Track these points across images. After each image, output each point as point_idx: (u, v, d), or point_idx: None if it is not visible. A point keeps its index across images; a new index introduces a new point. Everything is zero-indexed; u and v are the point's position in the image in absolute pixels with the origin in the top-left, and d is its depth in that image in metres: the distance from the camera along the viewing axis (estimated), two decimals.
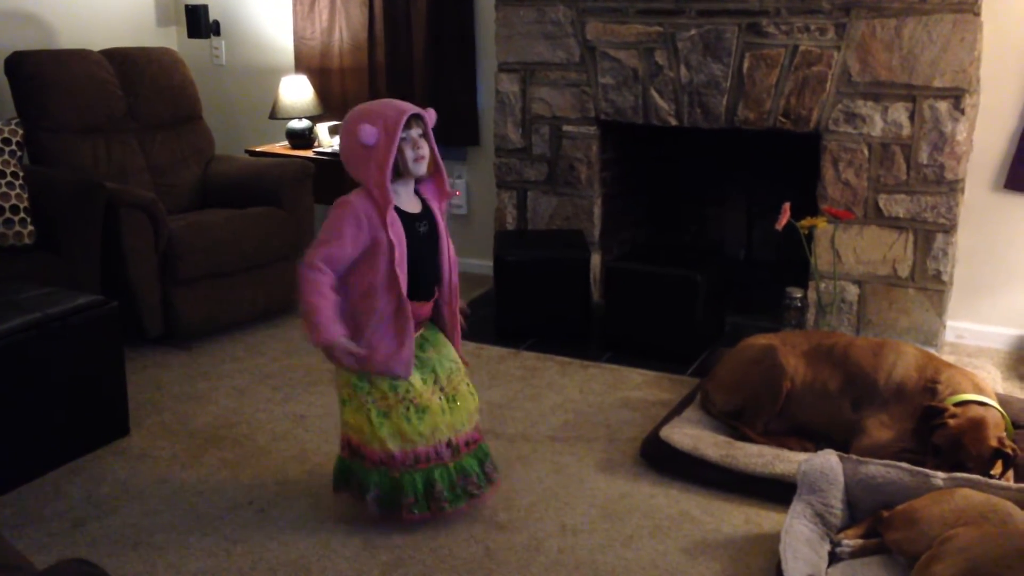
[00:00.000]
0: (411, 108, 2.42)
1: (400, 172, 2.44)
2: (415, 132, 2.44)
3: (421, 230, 2.51)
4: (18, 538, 2.57)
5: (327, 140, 4.89)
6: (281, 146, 4.99)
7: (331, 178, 4.57)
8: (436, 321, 2.66)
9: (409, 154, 2.42)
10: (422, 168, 2.46)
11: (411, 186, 2.52)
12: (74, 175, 3.89)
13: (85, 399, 3.04)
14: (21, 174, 3.70)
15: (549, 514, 2.71)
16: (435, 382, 2.56)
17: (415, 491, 2.54)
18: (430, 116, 2.48)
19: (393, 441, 2.50)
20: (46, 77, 4.11)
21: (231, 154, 4.81)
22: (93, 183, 3.72)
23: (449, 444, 2.55)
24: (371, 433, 2.51)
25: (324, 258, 2.41)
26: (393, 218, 2.41)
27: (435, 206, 2.58)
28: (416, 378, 2.52)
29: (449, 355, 2.62)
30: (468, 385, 2.65)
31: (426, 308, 2.59)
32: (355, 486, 2.62)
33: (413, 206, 2.52)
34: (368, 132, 2.36)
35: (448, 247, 2.60)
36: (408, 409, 2.50)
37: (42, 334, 2.90)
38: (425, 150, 2.45)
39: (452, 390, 2.58)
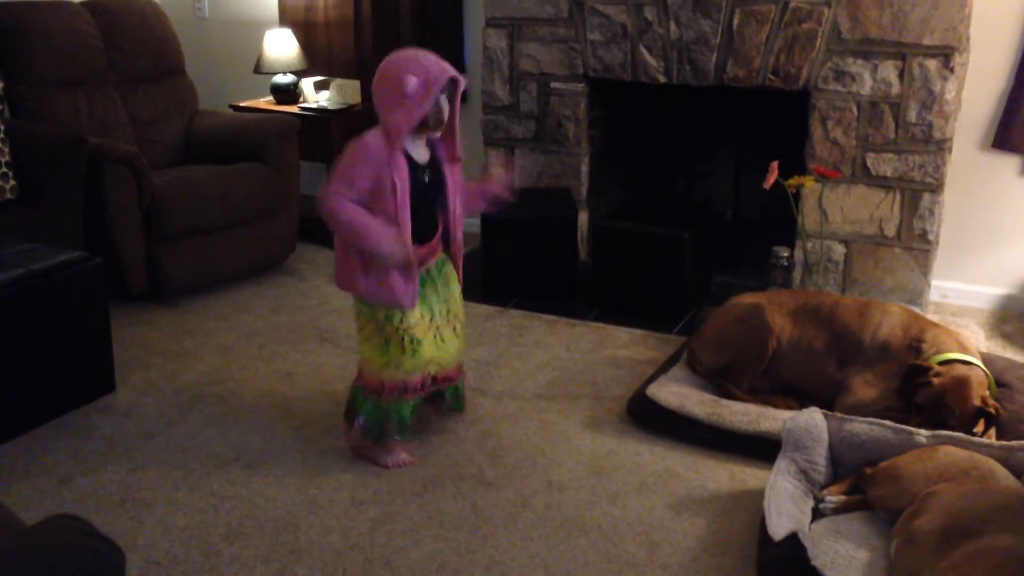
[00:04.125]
0: (451, 71, 2.53)
1: (424, 126, 2.56)
2: (445, 94, 2.56)
3: (425, 179, 2.63)
4: (4, 494, 2.57)
5: (312, 96, 4.84)
6: (266, 101, 4.93)
7: (317, 134, 4.53)
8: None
9: (438, 116, 2.55)
10: (441, 129, 2.61)
11: (423, 140, 2.63)
12: (56, 129, 3.84)
13: (70, 355, 3.03)
14: (2, 128, 3.65)
15: (536, 471, 2.72)
16: (431, 320, 2.70)
17: (399, 419, 2.69)
18: (463, 82, 2.60)
19: (387, 370, 2.65)
20: (25, 29, 4.04)
21: (215, 109, 4.76)
22: (75, 137, 3.67)
23: (433, 378, 2.76)
24: (372, 361, 2.67)
25: (339, 189, 2.54)
26: (400, 160, 2.53)
27: (445, 165, 2.70)
28: (416, 312, 2.65)
29: (449, 296, 2.78)
30: (457, 328, 2.81)
31: (422, 251, 2.69)
32: (350, 413, 2.76)
33: (422, 156, 2.63)
34: (412, 83, 2.47)
35: (454, 201, 2.72)
36: (404, 339, 2.63)
37: (25, 290, 2.87)
38: (446, 113, 2.57)
39: (443, 330, 2.75)
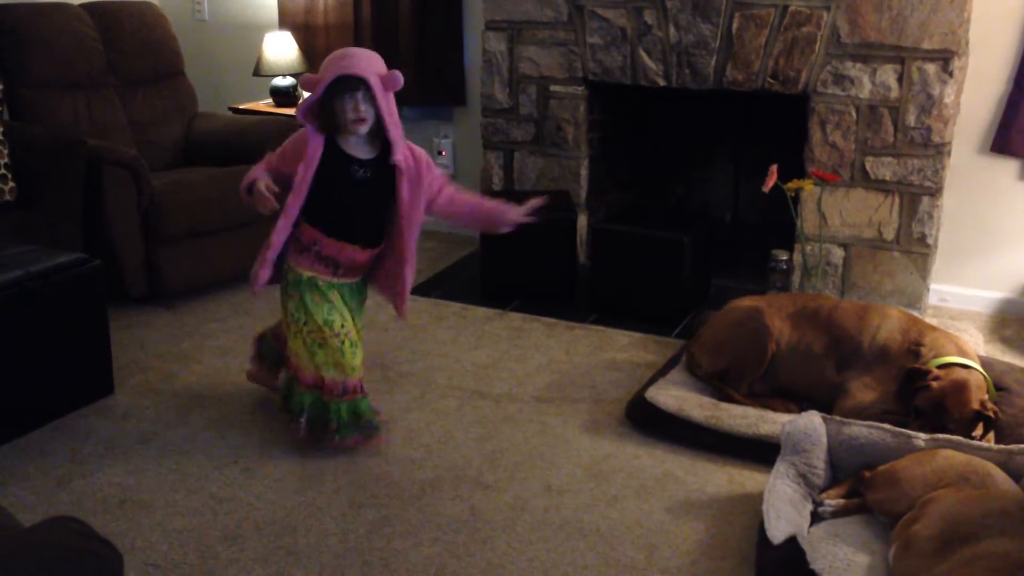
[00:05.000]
0: (347, 70, 2.50)
1: (336, 127, 2.57)
2: (359, 94, 2.53)
3: (358, 175, 2.63)
4: (2, 496, 2.57)
5: None
6: (265, 104, 4.94)
7: None
8: (379, 281, 2.84)
9: (349, 115, 2.54)
10: (360, 129, 2.57)
11: (362, 139, 2.62)
12: (55, 131, 3.84)
13: (68, 358, 3.02)
14: (1, 130, 3.65)
15: (534, 474, 2.72)
16: (344, 328, 2.73)
17: (339, 419, 2.72)
18: (389, 79, 2.55)
19: (326, 369, 2.70)
20: (25, 31, 4.04)
21: (214, 111, 4.76)
22: (74, 139, 3.67)
23: (321, 381, 2.74)
24: (307, 359, 2.71)
25: (258, 169, 2.67)
26: (312, 148, 2.57)
27: (401, 167, 2.64)
28: (349, 316, 2.73)
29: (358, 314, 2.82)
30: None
31: (360, 255, 2.72)
32: (292, 406, 2.79)
33: (359, 152, 2.64)
34: (307, 82, 2.55)
35: (403, 205, 2.66)
36: (343, 343, 2.70)
37: (24, 292, 2.87)
38: (363, 113, 2.54)
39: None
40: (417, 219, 2.70)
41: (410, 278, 2.77)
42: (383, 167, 2.64)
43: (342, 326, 2.70)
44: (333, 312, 2.69)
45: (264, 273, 2.71)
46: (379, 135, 2.62)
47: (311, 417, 2.74)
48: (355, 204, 2.66)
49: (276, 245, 2.67)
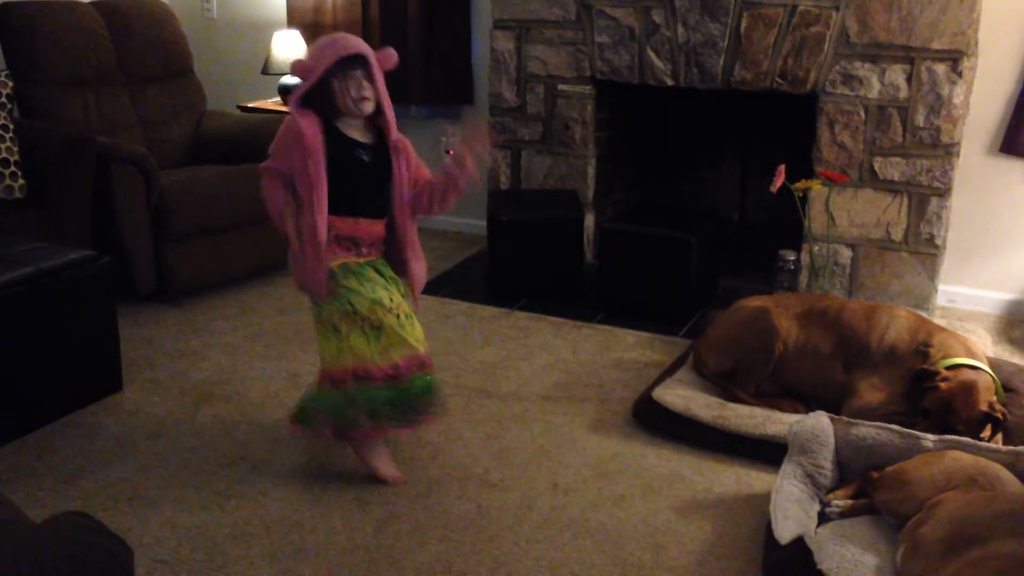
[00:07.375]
0: (347, 50, 2.45)
1: (339, 110, 2.49)
2: (359, 72, 2.47)
3: (364, 157, 2.56)
4: (11, 492, 2.57)
5: None
6: (273, 102, 4.95)
7: None
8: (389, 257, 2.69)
9: (352, 94, 2.47)
10: (366, 108, 2.50)
11: (360, 122, 2.56)
12: (65, 129, 3.85)
13: (77, 354, 3.03)
14: (11, 127, 3.66)
15: (541, 473, 2.72)
16: (395, 302, 2.57)
17: (368, 407, 2.54)
18: (383, 58, 2.51)
19: (393, 352, 2.53)
20: (35, 28, 4.06)
21: (223, 109, 4.77)
22: (84, 137, 3.68)
23: (395, 367, 2.55)
24: (336, 353, 2.54)
25: (269, 164, 2.54)
26: (313, 139, 2.46)
27: (391, 152, 2.59)
28: (395, 290, 2.59)
29: (394, 286, 2.63)
30: (402, 318, 2.59)
31: (375, 226, 2.61)
32: (316, 415, 2.61)
33: (361, 136, 2.57)
34: (299, 68, 2.49)
35: (400, 191, 2.59)
36: (399, 317, 2.55)
37: (34, 289, 2.88)
38: (367, 91, 2.48)
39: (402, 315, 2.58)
40: (409, 201, 2.62)
41: (419, 272, 2.66)
42: (380, 150, 2.59)
43: (391, 299, 2.55)
44: (378, 289, 2.55)
45: (323, 274, 2.54)
46: (372, 118, 2.57)
47: (334, 414, 2.56)
48: (362, 187, 2.58)
49: (322, 241, 2.51)
